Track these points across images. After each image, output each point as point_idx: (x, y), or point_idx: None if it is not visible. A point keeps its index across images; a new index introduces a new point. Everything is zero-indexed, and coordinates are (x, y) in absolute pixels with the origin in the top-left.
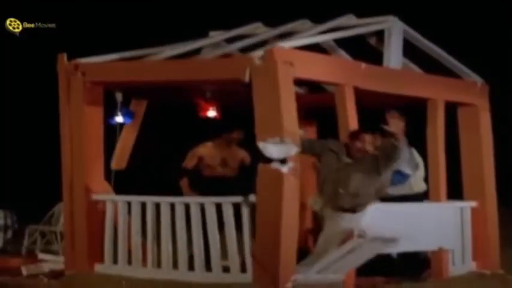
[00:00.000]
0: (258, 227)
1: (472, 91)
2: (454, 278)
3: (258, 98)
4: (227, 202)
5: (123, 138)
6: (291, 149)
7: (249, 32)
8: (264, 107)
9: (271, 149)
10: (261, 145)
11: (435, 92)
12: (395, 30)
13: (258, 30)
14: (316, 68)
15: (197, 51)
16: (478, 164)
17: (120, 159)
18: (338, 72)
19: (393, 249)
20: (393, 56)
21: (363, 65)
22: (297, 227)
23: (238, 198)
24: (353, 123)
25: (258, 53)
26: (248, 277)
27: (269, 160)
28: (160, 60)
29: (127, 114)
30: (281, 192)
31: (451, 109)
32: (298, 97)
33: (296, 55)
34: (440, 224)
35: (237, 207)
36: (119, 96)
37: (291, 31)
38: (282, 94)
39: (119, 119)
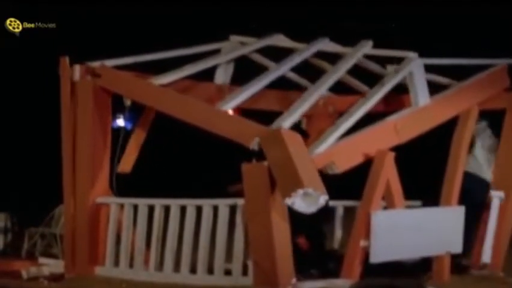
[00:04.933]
0: (249, 228)
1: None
2: (455, 279)
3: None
4: (223, 204)
5: (132, 143)
6: (319, 197)
7: (270, 43)
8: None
9: (300, 203)
10: (288, 201)
11: (468, 102)
12: (416, 71)
13: (281, 42)
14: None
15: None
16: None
17: (126, 163)
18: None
19: (405, 256)
20: (420, 95)
21: (394, 123)
22: (287, 223)
23: (233, 201)
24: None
25: (269, 128)
26: (249, 280)
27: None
28: (179, 95)
29: (130, 119)
30: (266, 186)
31: None
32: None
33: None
34: (447, 227)
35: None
36: (127, 101)
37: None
38: (295, 162)
39: (120, 122)
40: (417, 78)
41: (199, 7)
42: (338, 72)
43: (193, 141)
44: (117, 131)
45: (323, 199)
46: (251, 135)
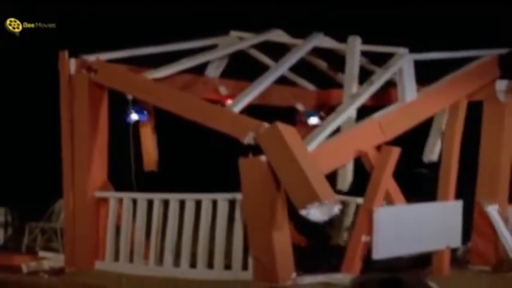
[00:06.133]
0: (248, 223)
1: (492, 71)
2: (455, 274)
3: (279, 170)
4: (222, 199)
5: (144, 139)
6: (333, 207)
7: (267, 38)
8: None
9: (315, 213)
10: (303, 213)
11: (456, 94)
12: (406, 66)
13: (279, 37)
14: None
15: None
16: (495, 162)
17: (148, 161)
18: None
19: (405, 252)
20: (408, 90)
21: (379, 121)
22: (286, 217)
23: (232, 195)
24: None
25: (265, 124)
26: (249, 274)
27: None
28: (174, 90)
29: (140, 111)
30: (263, 181)
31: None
32: (308, 93)
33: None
34: (446, 222)
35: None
36: (130, 95)
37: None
38: (299, 160)
39: (134, 116)
40: (406, 74)
41: (200, 5)
42: (354, 74)
43: (194, 136)
44: (134, 125)
45: (336, 208)
46: (246, 130)
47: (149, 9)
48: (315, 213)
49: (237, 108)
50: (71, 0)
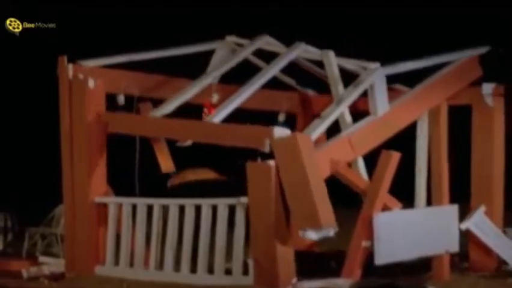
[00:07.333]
0: (252, 227)
1: (472, 71)
2: (455, 279)
3: (286, 181)
4: (222, 204)
5: (155, 143)
6: (329, 231)
7: (261, 46)
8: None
9: (311, 234)
10: (300, 234)
11: (435, 99)
12: (377, 81)
13: (270, 45)
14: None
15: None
16: (488, 167)
17: (164, 163)
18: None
19: (407, 257)
20: (380, 105)
21: (348, 138)
22: (289, 223)
23: (233, 200)
24: None
25: (280, 131)
26: (250, 279)
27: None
28: (179, 121)
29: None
30: (270, 186)
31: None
32: (308, 99)
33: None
34: (444, 226)
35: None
36: (121, 99)
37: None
38: (310, 179)
39: None
40: (377, 89)
41: (198, 7)
42: (338, 81)
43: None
44: None
45: (332, 232)
46: (260, 138)
47: (147, 10)
48: (311, 234)
49: (218, 119)
50: (71, 1)
